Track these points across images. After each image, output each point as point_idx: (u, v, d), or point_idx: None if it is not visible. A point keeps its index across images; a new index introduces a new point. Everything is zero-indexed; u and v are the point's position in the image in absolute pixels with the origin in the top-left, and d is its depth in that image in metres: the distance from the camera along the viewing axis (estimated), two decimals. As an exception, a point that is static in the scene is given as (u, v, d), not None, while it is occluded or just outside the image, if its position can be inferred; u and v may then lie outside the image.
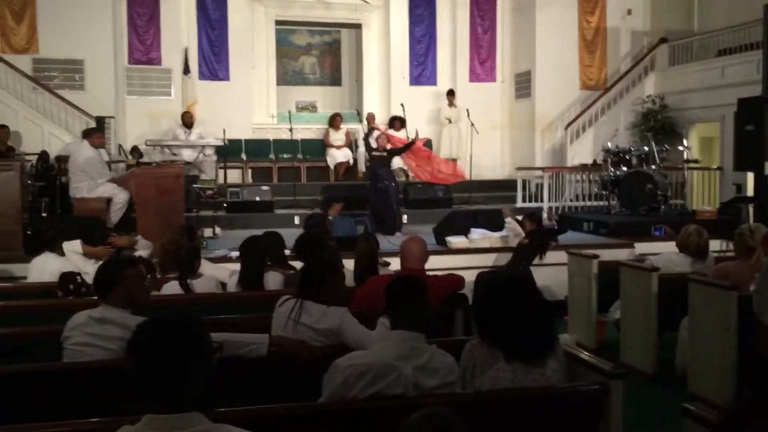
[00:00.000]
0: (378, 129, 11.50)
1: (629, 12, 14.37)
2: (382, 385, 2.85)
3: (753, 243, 5.22)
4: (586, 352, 3.21)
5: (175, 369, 1.92)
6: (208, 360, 2.00)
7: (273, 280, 5.20)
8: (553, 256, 8.58)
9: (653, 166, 10.69)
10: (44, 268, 5.90)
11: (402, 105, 13.00)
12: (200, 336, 2.01)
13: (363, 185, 11.24)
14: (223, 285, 5.42)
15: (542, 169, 12.74)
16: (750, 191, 10.80)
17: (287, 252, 6.05)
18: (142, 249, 6.46)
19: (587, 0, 14.18)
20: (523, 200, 12.16)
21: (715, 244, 8.13)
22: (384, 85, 14.95)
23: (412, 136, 12.83)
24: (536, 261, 8.09)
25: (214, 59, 13.74)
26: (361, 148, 13.16)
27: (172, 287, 5.07)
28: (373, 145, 10.35)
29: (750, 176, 10.75)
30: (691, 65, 13.50)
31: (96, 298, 3.68)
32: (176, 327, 1.99)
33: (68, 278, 5.00)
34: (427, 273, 4.76)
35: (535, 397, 2.93)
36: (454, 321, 4.36)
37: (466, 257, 8.50)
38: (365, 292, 4.55)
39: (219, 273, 5.67)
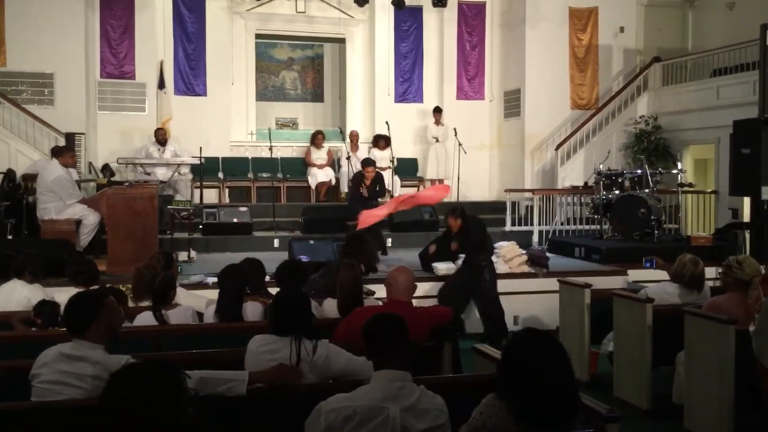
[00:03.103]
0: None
1: (622, 30, 14.55)
2: (369, 428, 2.84)
3: (742, 275, 5.29)
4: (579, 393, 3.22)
5: (149, 420, 1.92)
6: (184, 409, 2.00)
7: (252, 310, 5.17)
8: (543, 283, 8.66)
9: (646, 190, 10.79)
10: (11, 297, 5.84)
11: (387, 123, 13.07)
12: (175, 386, 2.01)
13: (345, 206, 11.24)
14: (200, 315, 5.40)
15: (532, 191, 12.80)
16: (746, 216, 10.93)
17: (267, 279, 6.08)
18: None
19: (578, 17, 14.35)
20: (512, 223, 12.20)
21: (710, 271, 8.17)
22: (368, 102, 15.02)
23: (396, 154, 12.91)
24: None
25: (190, 73, 13.74)
26: (344, 168, 13.18)
27: (145, 318, 5.04)
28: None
29: (746, 201, 10.88)
30: (685, 85, 13.67)
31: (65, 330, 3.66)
32: (151, 378, 1.99)
33: (49, 308, 4.98)
34: (414, 305, 4.78)
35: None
36: (442, 356, 4.37)
37: (454, 284, 8.51)
38: (349, 324, 4.54)
39: (195, 302, 5.64)
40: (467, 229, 8.09)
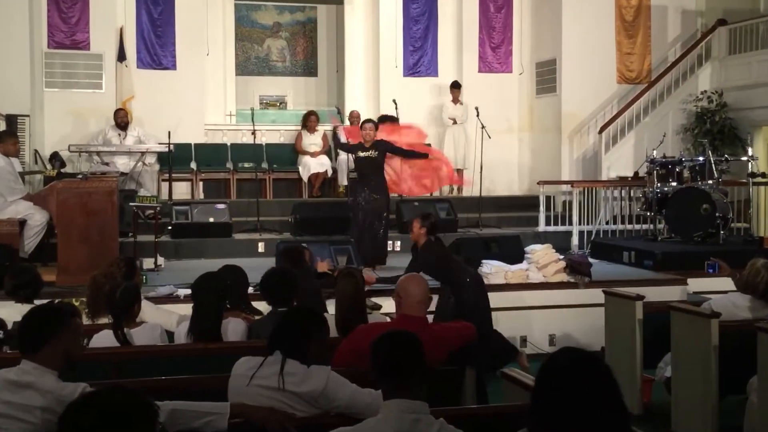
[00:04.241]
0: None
1: (679, -14, 14.56)
2: (376, 470, 2.86)
3: None
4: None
5: None
6: None
7: (233, 328, 5.19)
8: (585, 295, 8.65)
9: (710, 181, 10.77)
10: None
11: (394, 101, 13.04)
12: (147, 418, 2.03)
13: (344, 202, 11.25)
14: (170, 334, 5.42)
15: (571, 183, 12.80)
16: (831, 213, 10.92)
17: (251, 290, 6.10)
18: None
19: (626, -28, 14.36)
20: (547, 223, 12.21)
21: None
22: (371, 76, 15.02)
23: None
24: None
25: (156, 43, 13.76)
26: (342, 156, 13.16)
27: (104, 338, 5.05)
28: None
29: (831, 194, 10.86)
30: (756, 54, 13.65)
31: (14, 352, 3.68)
32: (117, 408, 2.00)
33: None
34: (430, 321, 4.79)
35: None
36: (464, 383, 4.37)
37: (476, 296, 8.51)
38: (352, 344, 4.55)
39: (164, 319, 5.67)
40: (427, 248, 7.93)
